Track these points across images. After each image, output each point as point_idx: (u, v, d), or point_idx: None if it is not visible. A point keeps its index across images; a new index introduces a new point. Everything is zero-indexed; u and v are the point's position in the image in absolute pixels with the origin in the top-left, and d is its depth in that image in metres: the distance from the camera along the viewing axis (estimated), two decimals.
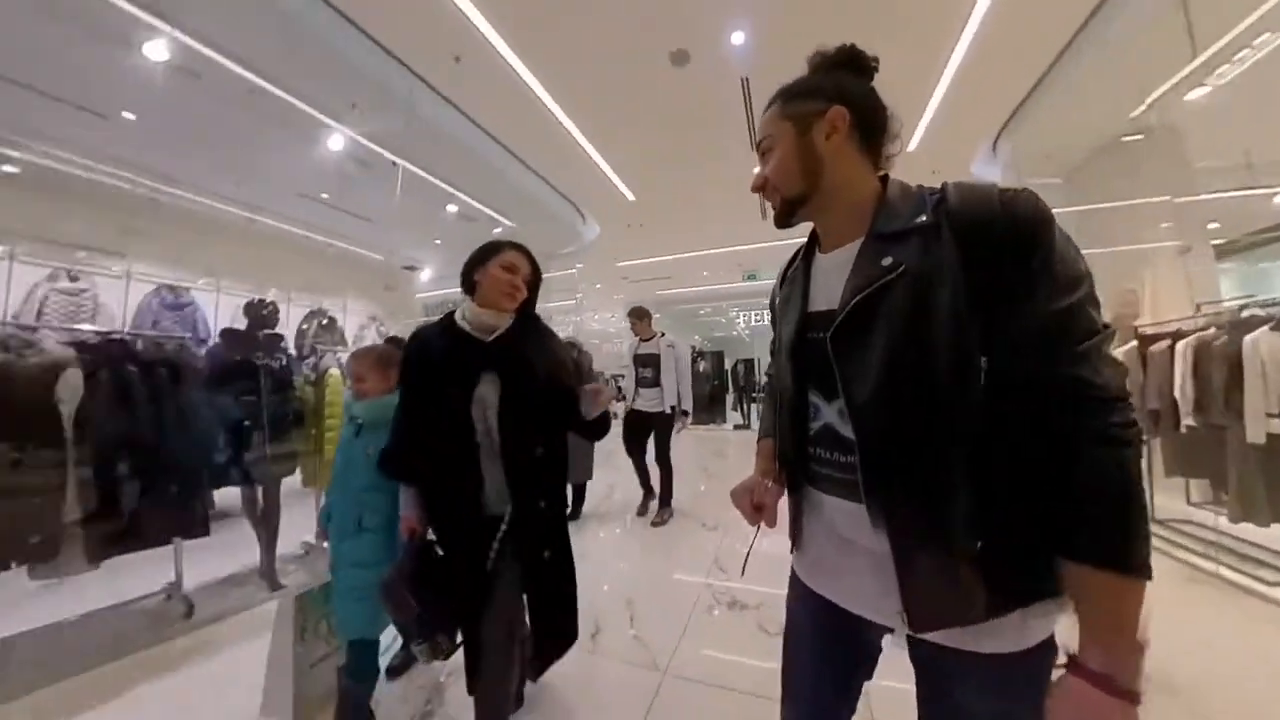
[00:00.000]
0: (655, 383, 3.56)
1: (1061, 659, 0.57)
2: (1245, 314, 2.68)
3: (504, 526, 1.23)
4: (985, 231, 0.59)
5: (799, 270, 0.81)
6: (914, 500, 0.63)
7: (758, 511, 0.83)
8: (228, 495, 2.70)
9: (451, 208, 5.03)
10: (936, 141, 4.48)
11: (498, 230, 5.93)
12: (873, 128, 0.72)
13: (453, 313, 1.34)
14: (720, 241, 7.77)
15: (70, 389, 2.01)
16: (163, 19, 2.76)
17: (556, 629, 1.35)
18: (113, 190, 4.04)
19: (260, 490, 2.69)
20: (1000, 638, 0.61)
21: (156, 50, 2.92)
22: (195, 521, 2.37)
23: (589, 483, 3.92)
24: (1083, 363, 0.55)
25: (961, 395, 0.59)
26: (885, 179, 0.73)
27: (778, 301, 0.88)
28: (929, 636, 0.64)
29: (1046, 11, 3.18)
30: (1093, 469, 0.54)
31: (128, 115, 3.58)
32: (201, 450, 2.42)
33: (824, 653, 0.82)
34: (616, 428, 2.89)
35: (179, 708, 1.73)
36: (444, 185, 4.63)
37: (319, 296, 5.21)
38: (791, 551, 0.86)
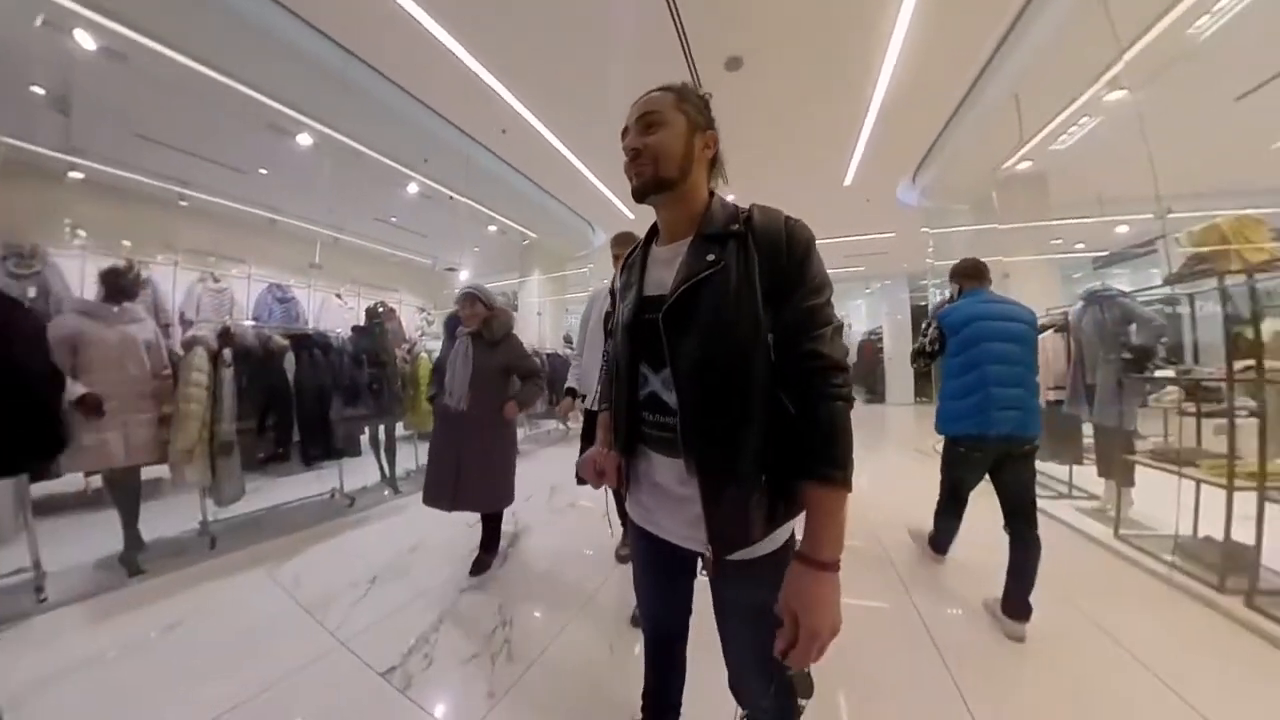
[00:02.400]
0: None
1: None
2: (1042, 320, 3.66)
3: None
4: (776, 245, 0.73)
5: (637, 260, 0.88)
6: (719, 448, 0.72)
7: (600, 476, 0.90)
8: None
9: (492, 227, 6.06)
10: (866, 176, 5.39)
11: (525, 242, 6.99)
12: (716, 161, 0.84)
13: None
14: None
15: (290, 363, 3.13)
16: (302, 112, 3.77)
17: None
18: (240, 216, 5.30)
19: (383, 429, 3.84)
20: (765, 544, 0.75)
21: (303, 138, 3.96)
22: (355, 446, 3.53)
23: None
24: (820, 341, 0.70)
25: (756, 364, 0.71)
26: (712, 194, 0.83)
27: (619, 287, 0.93)
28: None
29: (944, 73, 3.84)
30: (821, 416, 0.68)
31: (262, 171, 4.70)
32: (354, 402, 3.54)
33: (646, 568, 0.96)
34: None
35: (343, 558, 2.58)
36: (488, 211, 5.65)
37: (383, 292, 6.45)
38: (624, 502, 0.95)
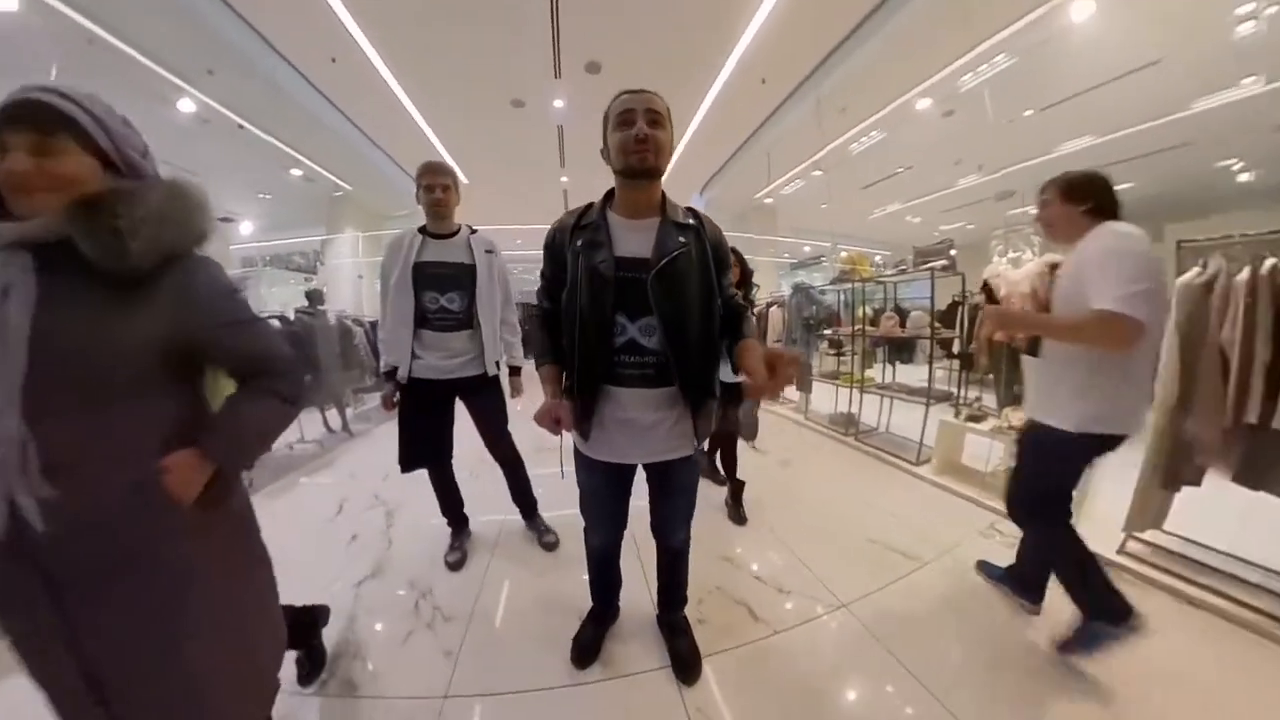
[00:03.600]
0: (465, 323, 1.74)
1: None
2: (769, 300, 5.58)
3: None
4: (718, 243, 1.04)
5: (599, 223, 0.99)
6: (699, 376, 1.00)
7: (558, 424, 0.99)
8: None
9: (296, 171, 4.94)
10: (671, 185, 6.67)
11: (337, 193, 5.84)
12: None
13: None
14: (529, 219, 8.91)
15: None
16: None
17: None
18: None
19: None
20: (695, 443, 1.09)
21: None
22: None
23: None
24: (737, 298, 1.09)
25: (715, 317, 1.02)
26: (662, 190, 1.04)
27: (579, 245, 0.97)
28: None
29: (729, 126, 5.25)
30: (745, 320, 1.04)
31: None
32: None
33: (609, 491, 1.17)
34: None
35: None
36: (292, 151, 4.63)
37: None
38: (581, 441, 1.11)
